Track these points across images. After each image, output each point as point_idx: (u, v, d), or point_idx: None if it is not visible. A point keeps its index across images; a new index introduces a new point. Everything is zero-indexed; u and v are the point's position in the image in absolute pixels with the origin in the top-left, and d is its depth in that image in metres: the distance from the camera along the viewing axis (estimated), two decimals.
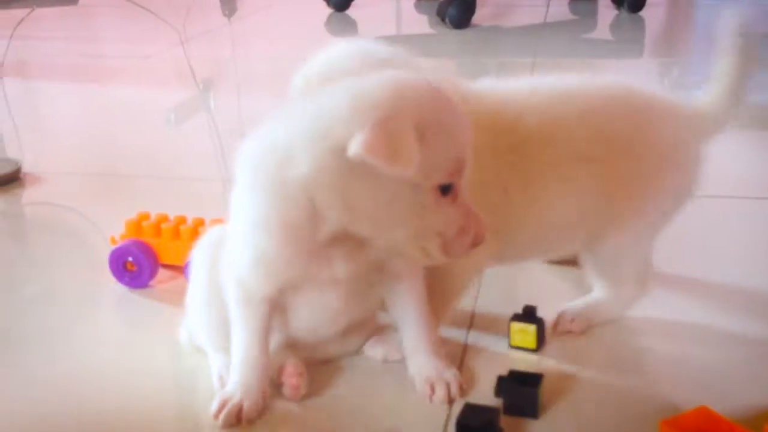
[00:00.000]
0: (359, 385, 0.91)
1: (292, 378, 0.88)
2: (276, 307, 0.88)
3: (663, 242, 1.03)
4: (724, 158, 1.40)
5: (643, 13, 2.92)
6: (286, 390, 0.88)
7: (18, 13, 3.37)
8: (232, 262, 0.86)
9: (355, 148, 0.72)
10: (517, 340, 0.96)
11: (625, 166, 0.95)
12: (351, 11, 3.10)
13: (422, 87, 0.78)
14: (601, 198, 0.95)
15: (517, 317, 0.96)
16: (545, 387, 0.87)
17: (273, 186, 0.79)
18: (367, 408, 0.87)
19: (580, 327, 1.00)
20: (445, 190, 0.77)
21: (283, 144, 0.78)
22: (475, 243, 0.80)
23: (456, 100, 0.81)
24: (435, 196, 0.77)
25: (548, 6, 3.20)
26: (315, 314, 0.88)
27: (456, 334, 0.99)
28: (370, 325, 0.97)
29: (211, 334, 0.93)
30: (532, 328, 0.95)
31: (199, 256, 0.94)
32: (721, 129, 1.03)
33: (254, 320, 0.86)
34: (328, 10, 3.11)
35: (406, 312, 0.90)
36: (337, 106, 0.76)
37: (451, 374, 0.89)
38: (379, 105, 0.75)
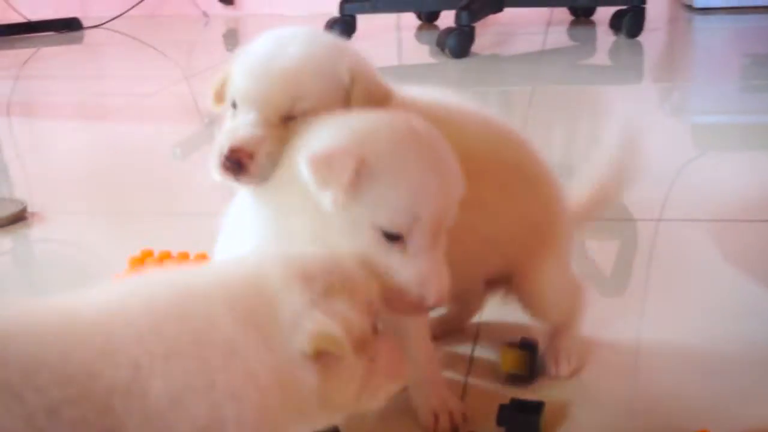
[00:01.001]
0: (362, 414, 0.92)
1: None
2: None
3: (666, 264, 1.03)
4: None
5: (641, 38, 2.94)
6: None
7: (24, 52, 3.42)
8: None
9: (301, 160, 0.72)
10: (508, 364, 0.95)
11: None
12: (352, 42, 3.12)
13: (399, 131, 0.73)
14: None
15: (509, 343, 0.96)
16: (547, 414, 0.87)
17: None
18: None
19: (578, 362, 0.98)
20: (391, 237, 0.71)
21: None
22: (420, 309, 0.73)
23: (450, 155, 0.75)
24: (377, 239, 0.71)
25: (547, 33, 3.22)
26: None
27: (458, 363, 1.00)
28: None
29: None
30: (521, 353, 0.95)
31: None
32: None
33: None
34: None
35: (406, 341, 0.91)
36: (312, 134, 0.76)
37: (454, 404, 0.89)
38: (334, 135, 0.73)
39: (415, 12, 3.53)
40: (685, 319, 1.09)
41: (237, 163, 0.77)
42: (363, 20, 3.17)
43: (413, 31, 3.44)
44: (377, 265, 0.71)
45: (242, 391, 0.59)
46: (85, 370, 0.56)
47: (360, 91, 0.80)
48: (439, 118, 0.80)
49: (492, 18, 3.11)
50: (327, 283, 0.64)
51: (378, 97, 0.81)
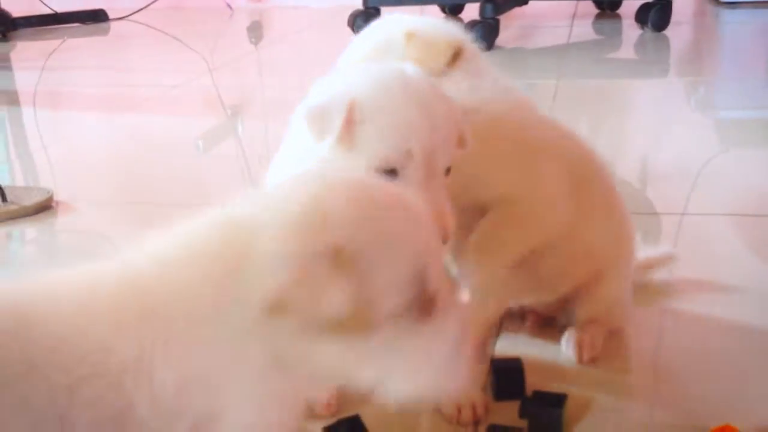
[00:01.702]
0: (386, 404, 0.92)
1: (323, 395, 0.89)
2: None
3: (689, 258, 1.02)
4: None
5: (667, 32, 2.91)
6: (318, 407, 0.89)
7: (50, 43, 3.45)
8: None
9: (300, 111, 0.78)
10: None
11: None
12: None
13: (388, 77, 0.78)
14: None
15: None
16: (569, 408, 0.87)
17: None
18: (393, 428, 0.87)
19: (599, 348, 0.99)
20: (390, 173, 0.75)
21: None
22: None
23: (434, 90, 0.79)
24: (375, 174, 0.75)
25: (572, 26, 3.20)
26: None
27: (481, 355, 1.00)
28: None
29: None
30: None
31: None
32: None
33: None
34: (353, 35, 3.13)
35: None
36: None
37: (477, 396, 0.89)
38: (329, 88, 0.78)
39: (439, 5, 3.52)
40: (708, 313, 1.08)
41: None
42: (387, 12, 3.16)
43: None
44: None
45: (233, 373, 0.58)
46: (101, 346, 0.57)
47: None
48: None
49: (517, 11, 3.10)
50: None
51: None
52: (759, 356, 0.98)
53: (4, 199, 1.58)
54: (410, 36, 0.89)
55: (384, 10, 3.15)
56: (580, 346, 0.99)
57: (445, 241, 0.73)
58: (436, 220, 0.68)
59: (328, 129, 0.74)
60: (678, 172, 1.62)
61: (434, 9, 3.54)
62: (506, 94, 0.95)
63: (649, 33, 2.94)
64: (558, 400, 0.86)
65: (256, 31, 3.77)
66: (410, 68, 0.80)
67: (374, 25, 0.98)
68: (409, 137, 0.74)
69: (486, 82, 0.93)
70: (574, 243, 0.95)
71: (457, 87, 0.89)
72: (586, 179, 0.96)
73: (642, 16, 2.98)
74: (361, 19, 3.12)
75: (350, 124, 0.74)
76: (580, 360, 0.98)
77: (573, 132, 1.00)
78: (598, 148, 1.88)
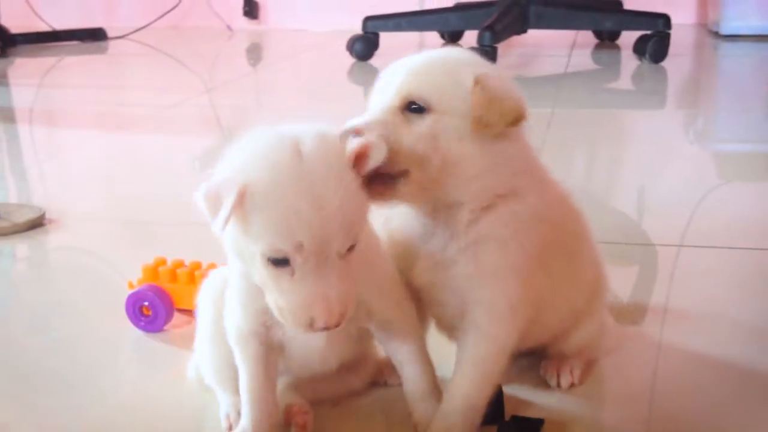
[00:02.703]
0: (365, 427, 0.91)
1: (298, 417, 0.88)
2: (272, 347, 0.87)
3: (686, 291, 1.01)
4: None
5: (665, 63, 2.92)
6: (294, 429, 0.88)
7: (48, 61, 3.45)
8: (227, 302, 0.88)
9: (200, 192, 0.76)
10: None
11: None
12: (374, 61, 3.13)
13: (280, 158, 0.75)
14: None
15: None
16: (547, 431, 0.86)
17: None
18: None
19: (579, 375, 0.99)
20: (278, 263, 0.75)
21: None
22: (314, 328, 0.76)
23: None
24: (267, 266, 0.76)
25: (570, 55, 3.21)
26: (302, 351, 0.88)
27: None
28: (370, 364, 0.96)
29: (218, 374, 0.95)
30: None
31: (203, 296, 0.95)
32: None
33: (252, 361, 0.87)
34: (351, 60, 3.14)
35: (405, 358, 0.90)
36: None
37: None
38: (230, 162, 0.78)
39: (438, 31, 3.53)
40: (703, 346, 1.07)
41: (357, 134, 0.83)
42: (386, 38, 3.17)
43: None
44: (270, 290, 0.77)
45: None
46: None
47: (477, 96, 0.82)
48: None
49: (516, 39, 3.11)
50: None
51: (501, 106, 0.82)
52: (755, 392, 0.97)
53: None
54: (478, 81, 0.82)
55: (383, 35, 3.16)
56: (558, 373, 0.99)
57: (336, 325, 0.76)
58: (322, 308, 0.75)
59: (218, 211, 0.74)
60: (675, 204, 1.62)
61: (433, 35, 3.55)
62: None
63: (647, 64, 2.94)
64: (535, 426, 0.86)
65: (255, 52, 3.77)
66: (310, 138, 0.77)
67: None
68: (299, 230, 0.74)
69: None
70: (557, 305, 0.94)
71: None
72: (568, 248, 0.93)
73: (640, 47, 2.99)
74: (360, 43, 3.13)
75: (241, 211, 0.74)
76: (558, 385, 0.98)
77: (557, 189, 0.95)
78: (593, 177, 1.89)
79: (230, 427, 0.90)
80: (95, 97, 2.83)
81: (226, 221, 0.74)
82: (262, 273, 0.76)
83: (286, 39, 3.90)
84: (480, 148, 0.82)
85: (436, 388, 0.90)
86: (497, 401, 0.89)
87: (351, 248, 0.77)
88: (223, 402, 0.94)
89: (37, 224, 1.58)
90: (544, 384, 0.99)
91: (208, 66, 3.38)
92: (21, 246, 1.53)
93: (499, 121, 0.82)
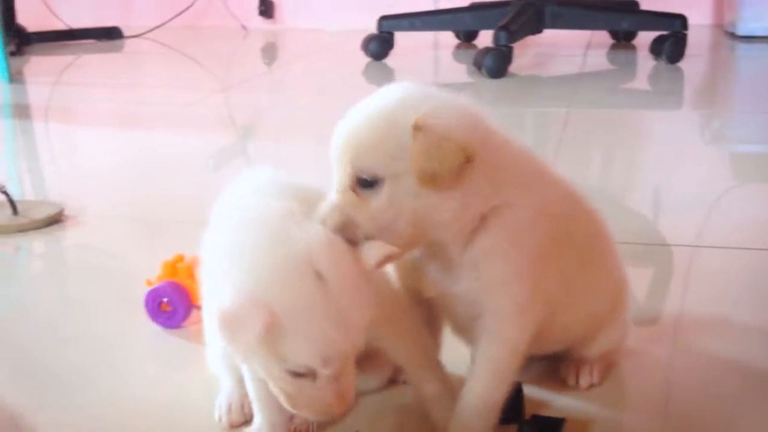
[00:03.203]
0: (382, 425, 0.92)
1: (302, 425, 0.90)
2: None
3: (701, 292, 1.01)
4: None
5: (681, 64, 2.91)
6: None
7: (64, 59, 3.46)
8: None
9: (213, 313, 0.75)
10: None
11: None
12: (389, 60, 3.13)
13: (304, 280, 0.74)
14: None
15: None
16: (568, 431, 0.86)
17: None
18: None
19: (599, 376, 0.99)
20: (301, 374, 0.76)
21: None
22: (329, 418, 0.80)
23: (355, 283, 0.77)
24: (285, 376, 0.77)
25: (586, 56, 3.21)
26: None
27: None
28: (386, 363, 0.96)
29: (223, 362, 0.95)
30: None
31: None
32: None
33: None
34: (366, 59, 3.14)
35: (411, 364, 0.90)
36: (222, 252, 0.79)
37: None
38: (245, 279, 0.75)
39: (453, 31, 3.53)
40: (718, 347, 1.07)
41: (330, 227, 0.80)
42: (401, 37, 3.17)
43: (451, 49, 3.44)
44: (287, 393, 0.78)
45: None
46: None
47: (417, 146, 0.77)
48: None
49: (531, 39, 3.10)
50: None
51: (444, 154, 0.76)
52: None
53: (15, 212, 1.58)
54: (418, 128, 0.77)
55: (398, 34, 3.16)
56: (578, 372, 0.98)
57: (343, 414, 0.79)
58: (340, 408, 0.77)
59: (241, 338, 0.74)
60: (690, 204, 1.61)
61: (448, 35, 3.55)
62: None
63: (663, 65, 2.93)
64: (556, 425, 0.86)
65: (270, 52, 3.78)
66: (325, 256, 0.76)
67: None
68: (327, 349, 0.75)
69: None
70: (573, 309, 0.93)
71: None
72: (582, 247, 0.92)
73: (657, 47, 2.98)
74: (375, 43, 3.13)
75: (265, 336, 0.73)
76: (577, 385, 0.98)
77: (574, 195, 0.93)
78: (609, 177, 1.89)
79: (228, 412, 0.92)
80: (111, 95, 2.85)
81: (251, 350, 0.74)
82: (280, 380, 0.77)
83: (301, 38, 3.90)
84: (443, 195, 0.78)
85: (448, 389, 0.90)
86: (517, 400, 0.89)
87: None
88: (223, 388, 0.95)
89: (55, 221, 1.58)
90: (563, 384, 0.98)
91: (223, 65, 3.39)
92: (39, 242, 1.54)
93: (443, 170, 0.76)
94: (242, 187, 0.87)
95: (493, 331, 0.85)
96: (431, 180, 0.77)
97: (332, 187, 0.81)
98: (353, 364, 0.78)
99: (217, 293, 0.77)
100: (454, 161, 0.77)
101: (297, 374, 0.76)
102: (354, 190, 0.80)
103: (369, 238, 0.79)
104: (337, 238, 0.78)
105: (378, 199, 0.79)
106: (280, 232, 0.76)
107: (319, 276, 0.74)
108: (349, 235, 0.79)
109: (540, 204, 0.85)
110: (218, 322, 0.73)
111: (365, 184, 0.79)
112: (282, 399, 0.79)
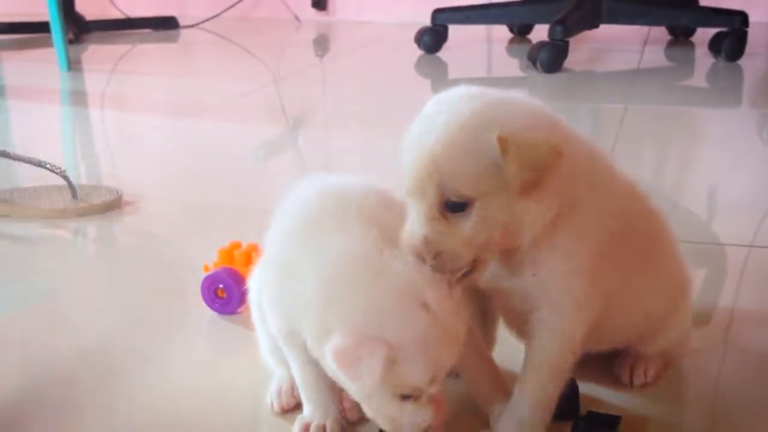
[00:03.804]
0: None
1: (346, 401, 0.90)
2: None
3: (755, 292, 1.00)
4: None
5: (741, 62, 2.85)
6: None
7: (121, 48, 3.51)
8: None
9: (327, 350, 0.76)
10: None
11: None
12: (442, 53, 3.12)
13: (407, 303, 0.76)
14: None
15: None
16: (623, 430, 0.86)
17: None
18: None
19: (653, 375, 0.97)
20: (405, 396, 0.78)
21: None
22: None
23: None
24: (392, 399, 0.78)
25: (643, 52, 3.16)
26: None
27: None
28: None
29: (272, 354, 0.96)
30: None
31: (252, 281, 0.96)
32: None
33: (298, 355, 0.87)
34: (419, 52, 3.14)
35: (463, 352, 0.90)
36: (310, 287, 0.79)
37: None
38: (354, 315, 0.76)
39: (507, 25, 3.51)
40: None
41: (422, 260, 0.79)
42: (454, 30, 3.16)
43: (504, 43, 3.42)
44: (391, 416, 0.79)
45: None
46: None
47: (511, 162, 0.74)
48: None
49: (587, 34, 3.06)
50: None
51: (535, 161, 0.75)
52: None
53: (74, 197, 1.61)
54: (505, 142, 0.75)
55: (451, 27, 3.15)
56: (632, 371, 0.97)
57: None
58: (438, 420, 0.80)
59: (362, 375, 0.75)
60: (747, 204, 1.59)
61: (502, 29, 3.53)
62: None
63: (722, 62, 2.88)
64: (612, 422, 0.85)
65: (322, 43, 3.79)
66: (431, 288, 0.77)
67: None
68: (435, 372, 0.78)
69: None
70: (632, 310, 0.93)
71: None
72: (642, 247, 0.91)
73: (716, 45, 2.93)
74: (429, 36, 3.12)
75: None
76: (630, 384, 0.97)
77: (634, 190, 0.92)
78: (664, 175, 1.86)
79: (274, 406, 0.93)
80: (166, 84, 2.88)
81: (375, 385, 0.76)
82: (385, 405, 0.79)
83: (354, 30, 3.91)
84: (531, 199, 0.77)
85: (500, 384, 0.89)
86: (573, 397, 0.89)
87: None
88: (275, 376, 0.96)
89: (113, 206, 1.61)
90: (619, 383, 0.98)
91: (275, 56, 3.41)
92: (98, 227, 1.56)
93: (538, 175, 0.75)
94: (313, 202, 0.86)
95: (550, 325, 0.84)
96: (529, 188, 0.76)
97: (413, 214, 0.78)
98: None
99: (313, 322, 0.79)
100: (547, 164, 0.76)
101: (404, 397, 0.78)
102: (442, 216, 0.78)
103: (457, 260, 0.79)
104: (420, 268, 0.78)
105: (469, 221, 0.77)
106: (382, 266, 0.77)
107: (425, 305, 0.76)
108: (444, 265, 0.78)
109: (604, 201, 0.84)
110: (337, 362, 0.75)
111: (455, 207, 0.77)
112: (382, 421, 0.80)
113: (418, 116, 0.80)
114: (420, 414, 0.79)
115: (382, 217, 0.82)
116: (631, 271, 0.89)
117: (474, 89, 0.81)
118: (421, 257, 0.78)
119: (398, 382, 0.76)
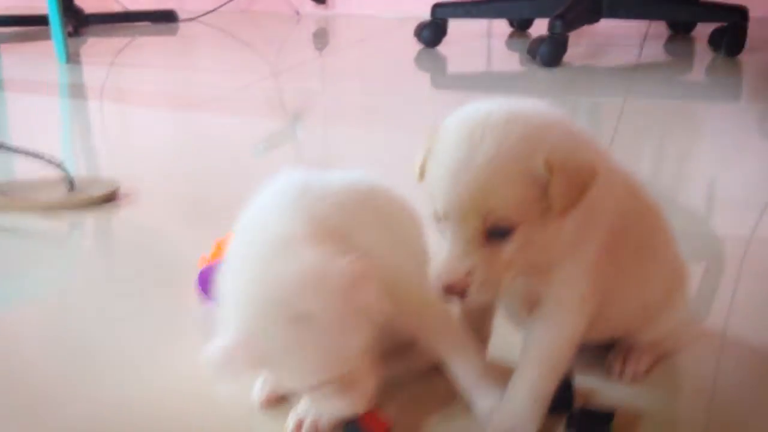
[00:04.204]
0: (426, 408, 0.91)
1: None
2: None
3: (753, 286, 0.99)
4: None
5: (740, 57, 2.85)
6: None
7: (120, 40, 3.51)
8: None
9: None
10: None
11: None
12: (441, 47, 3.11)
13: (277, 312, 0.76)
14: None
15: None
16: (618, 424, 0.85)
17: None
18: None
19: (645, 369, 0.97)
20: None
21: None
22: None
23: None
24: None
25: (643, 46, 3.16)
26: None
27: None
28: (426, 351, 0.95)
29: None
30: None
31: None
32: None
33: None
34: (418, 46, 3.13)
35: (449, 348, 0.90)
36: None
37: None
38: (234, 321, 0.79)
39: (508, 19, 3.50)
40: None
41: (456, 294, 0.78)
42: (454, 24, 3.15)
43: (504, 38, 3.41)
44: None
45: None
46: None
47: (558, 187, 0.75)
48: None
49: (587, 29, 3.06)
50: None
51: (580, 183, 0.76)
52: None
53: (72, 189, 1.60)
54: (551, 167, 0.75)
55: (451, 22, 3.15)
56: (623, 363, 0.97)
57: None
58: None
59: (225, 379, 0.79)
60: (746, 198, 1.58)
61: (502, 23, 3.52)
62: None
63: (722, 57, 2.88)
64: (606, 416, 0.85)
65: (321, 37, 3.79)
66: (303, 286, 0.76)
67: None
68: (312, 379, 0.79)
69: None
70: (625, 300, 0.93)
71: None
72: (640, 241, 0.91)
73: (715, 40, 2.93)
74: (428, 30, 3.12)
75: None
76: (620, 376, 0.96)
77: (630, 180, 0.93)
78: (663, 169, 1.85)
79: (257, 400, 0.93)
80: (165, 78, 2.87)
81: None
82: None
83: (354, 24, 3.90)
84: (564, 219, 0.79)
85: (487, 377, 0.89)
86: (567, 390, 0.89)
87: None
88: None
89: (110, 198, 1.61)
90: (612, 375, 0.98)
91: (275, 50, 3.41)
92: (95, 219, 1.56)
93: (580, 196, 0.76)
94: (271, 195, 0.89)
95: (551, 317, 0.84)
96: (569, 209, 0.77)
97: (452, 245, 0.78)
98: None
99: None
100: (588, 185, 0.77)
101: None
102: (485, 243, 0.77)
103: (496, 288, 0.79)
104: (321, 270, 0.76)
105: (512, 245, 0.78)
106: (267, 269, 0.78)
107: (299, 318, 0.75)
108: (485, 295, 0.78)
109: (610, 200, 0.84)
110: (206, 361, 0.78)
111: (499, 234, 0.77)
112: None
113: (447, 137, 0.79)
114: (328, 404, 0.80)
115: (319, 214, 0.83)
116: (626, 262, 0.89)
117: (506, 107, 0.80)
118: (460, 293, 0.77)
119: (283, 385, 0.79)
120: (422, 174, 0.82)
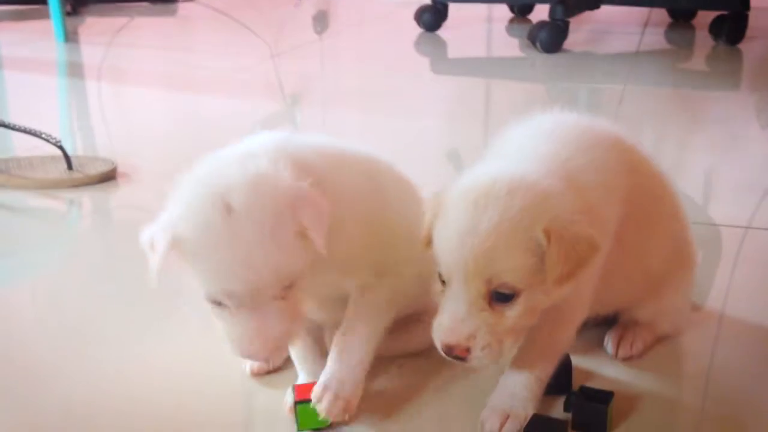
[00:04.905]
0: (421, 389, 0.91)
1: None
2: None
3: (750, 273, 0.99)
4: None
5: (741, 45, 2.85)
6: None
7: (119, 21, 3.49)
8: None
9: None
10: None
11: None
12: (441, 32, 3.11)
13: (208, 212, 0.76)
14: None
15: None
16: (616, 405, 0.86)
17: None
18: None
19: (639, 349, 0.98)
20: (218, 304, 0.78)
21: None
22: (252, 359, 0.84)
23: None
24: (209, 304, 0.79)
25: (643, 34, 3.15)
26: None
27: None
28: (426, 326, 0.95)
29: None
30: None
31: None
32: None
33: None
34: (418, 30, 3.12)
35: (362, 314, 0.90)
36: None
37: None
38: (170, 208, 0.80)
39: (508, 4, 3.49)
40: (765, 327, 1.05)
41: (457, 356, 0.79)
42: (455, 9, 3.14)
43: (504, 23, 3.40)
44: (218, 324, 0.80)
45: None
46: None
47: (554, 257, 0.76)
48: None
49: (587, 15, 3.05)
50: None
51: (576, 256, 0.77)
52: None
53: (70, 167, 1.60)
54: (549, 235, 0.76)
55: (452, 6, 3.14)
56: (618, 343, 0.98)
57: (260, 358, 0.83)
58: (248, 344, 0.78)
59: (151, 259, 0.78)
60: (744, 186, 1.58)
61: (503, 8, 3.51)
62: None
63: (722, 45, 2.87)
64: (605, 397, 0.85)
65: (321, 20, 3.77)
66: (241, 192, 0.76)
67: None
68: (222, 279, 0.76)
69: None
70: (631, 268, 0.92)
71: None
72: (646, 208, 0.92)
73: (716, 28, 2.92)
74: (428, 14, 3.11)
75: (180, 256, 0.77)
76: (615, 356, 0.97)
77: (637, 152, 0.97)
78: (662, 156, 1.85)
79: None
80: (163, 58, 2.86)
81: (158, 269, 0.78)
82: (211, 310, 0.80)
83: (354, 7, 3.89)
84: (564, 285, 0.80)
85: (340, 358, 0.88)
86: (566, 372, 0.89)
87: (290, 285, 0.78)
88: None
89: (108, 177, 1.61)
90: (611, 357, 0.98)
91: (274, 32, 3.39)
92: (92, 197, 1.55)
93: (579, 270, 0.78)
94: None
95: (556, 309, 0.84)
96: (567, 280, 0.78)
97: (455, 304, 0.79)
98: (281, 312, 0.78)
99: None
100: (586, 260, 0.78)
101: (215, 303, 0.78)
102: (489, 306, 0.78)
103: (499, 350, 0.79)
104: (271, 180, 0.77)
105: (515, 310, 0.79)
106: (220, 170, 0.80)
107: (228, 208, 0.75)
108: (489, 358, 0.79)
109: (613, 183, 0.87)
110: (143, 244, 0.79)
111: (503, 298, 0.78)
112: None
113: (453, 203, 0.80)
114: (232, 331, 0.78)
115: (297, 155, 0.83)
116: (627, 236, 0.89)
117: (509, 174, 0.80)
118: (462, 355, 0.78)
119: (197, 280, 0.77)
120: (427, 241, 0.83)
